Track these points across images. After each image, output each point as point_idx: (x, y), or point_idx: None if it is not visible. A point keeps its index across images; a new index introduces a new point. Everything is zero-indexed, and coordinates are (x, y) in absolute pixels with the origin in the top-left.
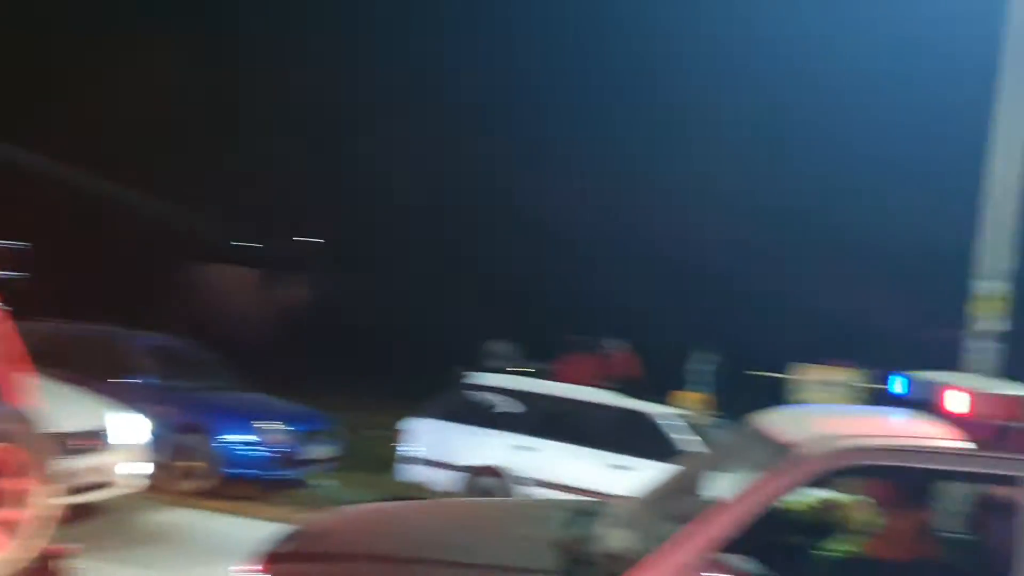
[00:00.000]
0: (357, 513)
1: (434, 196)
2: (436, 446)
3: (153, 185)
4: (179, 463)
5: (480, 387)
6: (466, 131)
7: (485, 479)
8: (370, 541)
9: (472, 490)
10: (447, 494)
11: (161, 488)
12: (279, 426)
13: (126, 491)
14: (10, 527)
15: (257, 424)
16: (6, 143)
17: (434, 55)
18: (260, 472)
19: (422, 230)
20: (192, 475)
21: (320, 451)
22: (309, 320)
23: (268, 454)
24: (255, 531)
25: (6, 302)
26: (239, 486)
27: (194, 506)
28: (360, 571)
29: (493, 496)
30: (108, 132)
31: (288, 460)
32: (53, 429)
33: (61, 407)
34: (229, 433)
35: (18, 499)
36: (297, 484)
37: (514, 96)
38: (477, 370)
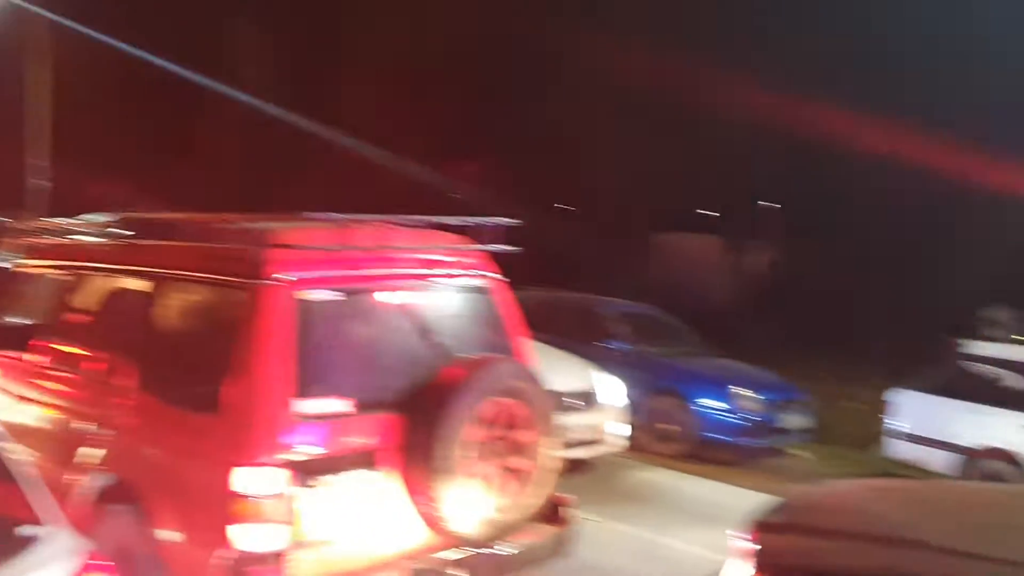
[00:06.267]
0: (848, 488)
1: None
2: (926, 422)
3: (614, 155)
4: (655, 426)
5: (980, 359)
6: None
7: (991, 462)
8: (864, 519)
9: (973, 473)
10: (940, 475)
11: (638, 449)
12: (753, 394)
13: (609, 450)
14: (522, 475)
15: (732, 390)
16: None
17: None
18: (734, 439)
19: (889, 189)
20: (668, 438)
21: (794, 421)
22: (773, 287)
23: (742, 421)
24: (733, 498)
25: (504, 274)
26: (713, 451)
27: (671, 468)
28: (853, 549)
29: (1002, 481)
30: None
31: (762, 428)
32: (550, 388)
33: (554, 368)
34: (704, 398)
35: (527, 451)
36: (771, 453)
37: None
38: (971, 339)
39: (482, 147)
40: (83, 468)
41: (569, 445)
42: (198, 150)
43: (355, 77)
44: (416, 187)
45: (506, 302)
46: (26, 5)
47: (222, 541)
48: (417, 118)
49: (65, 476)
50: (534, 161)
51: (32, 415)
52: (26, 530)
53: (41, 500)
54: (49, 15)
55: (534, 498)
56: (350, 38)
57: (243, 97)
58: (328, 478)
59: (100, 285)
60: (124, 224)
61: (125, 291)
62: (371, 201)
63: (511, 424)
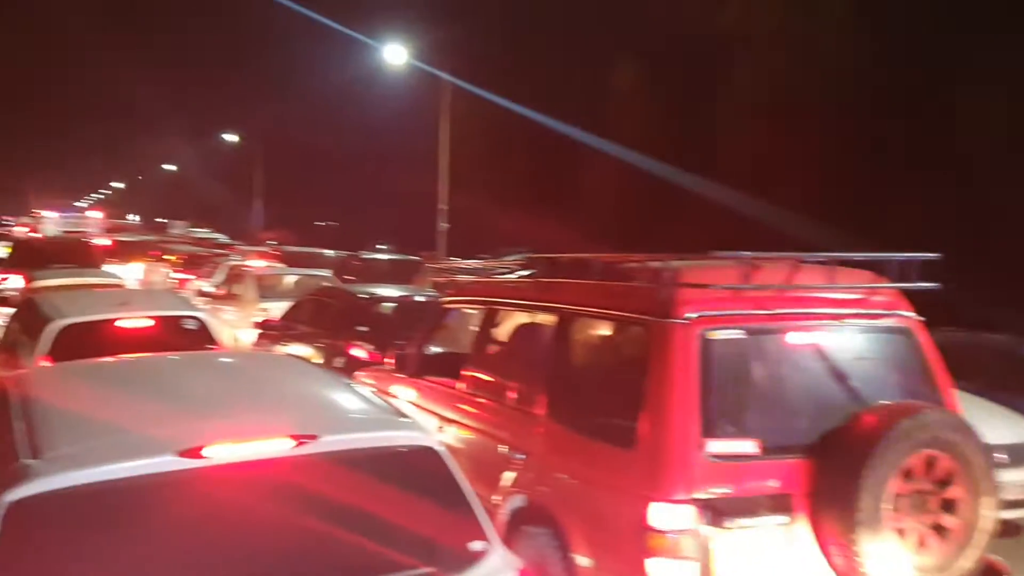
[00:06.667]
0: None
1: None
2: None
3: None
4: None
5: None
6: None
7: None
8: None
9: None
10: None
11: None
12: None
13: None
14: (950, 534)
15: None
16: None
17: None
18: None
19: None
20: None
21: None
22: None
23: None
24: None
25: (918, 313)
26: None
27: None
28: None
29: None
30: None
31: None
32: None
33: (979, 418)
34: None
35: (956, 508)
36: None
37: None
38: None
39: (876, 184)
40: (501, 489)
41: (1003, 504)
42: (576, 194)
43: (732, 121)
44: (800, 227)
45: (927, 345)
46: (441, 74)
47: (637, 573)
48: (799, 156)
49: (492, 497)
50: (940, 192)
51: (457, 437)
52: (476, 545)
53: (483, 518)
54: (455, 81)
55: (963, 560)
56: (724, 83)
57: (619, 147)
58: (739, 520)
59: (515, 319)
60: (530, 263)
61: (538, 325)
62: (745, 240)
63: (939, 478)
